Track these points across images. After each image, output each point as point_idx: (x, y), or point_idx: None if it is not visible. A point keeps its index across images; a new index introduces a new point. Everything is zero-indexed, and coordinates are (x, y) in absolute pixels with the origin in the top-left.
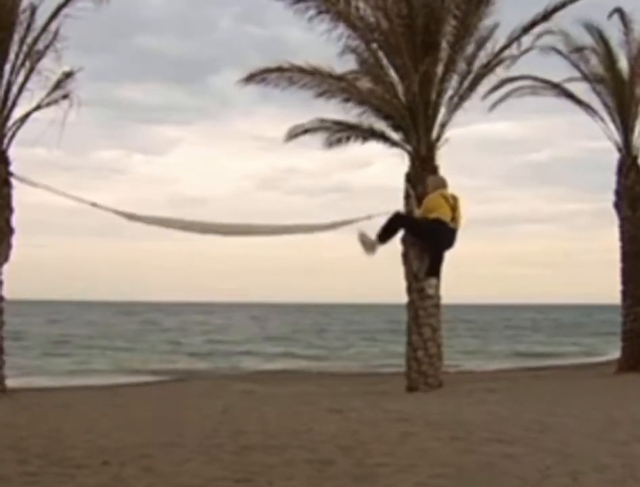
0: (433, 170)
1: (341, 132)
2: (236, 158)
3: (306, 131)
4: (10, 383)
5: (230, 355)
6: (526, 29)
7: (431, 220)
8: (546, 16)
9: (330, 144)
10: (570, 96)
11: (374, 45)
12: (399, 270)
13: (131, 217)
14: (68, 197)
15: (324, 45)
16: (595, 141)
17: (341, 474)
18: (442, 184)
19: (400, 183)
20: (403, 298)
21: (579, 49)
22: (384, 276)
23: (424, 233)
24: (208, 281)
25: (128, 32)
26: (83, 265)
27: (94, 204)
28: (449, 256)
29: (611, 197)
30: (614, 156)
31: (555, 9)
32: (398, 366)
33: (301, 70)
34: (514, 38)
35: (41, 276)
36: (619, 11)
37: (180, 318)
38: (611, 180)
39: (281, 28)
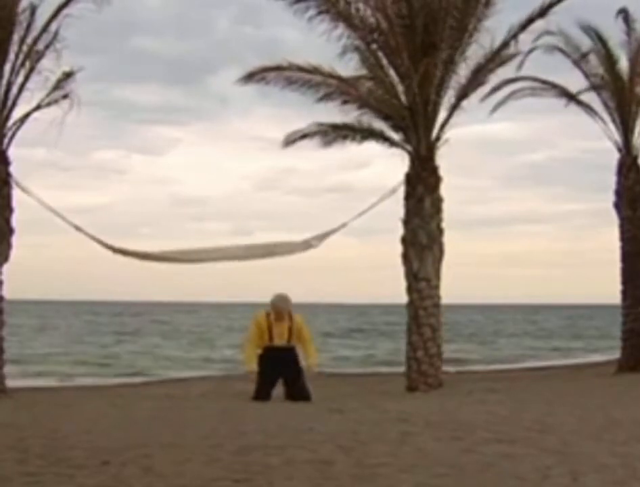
0: (433, 170)
1: (339, 133)
2: (235, 158)
3: (303, 136)
4: (10, 382)
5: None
6: (523, 26)
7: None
8: (542, 12)
9: (327, 143)
10: (571, 96)
11: (374, 45)
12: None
13: (112, 249)
14: (55, 214)
15: (321, 46)
16: (593, 141)
17: (341, 474)
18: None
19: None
20: (403, 298)
21: (584, 55)
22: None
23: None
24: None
25: (126, 33)
26: (83, 265)
27: (78, 228)
28: (447, 255)
29: (610, 197)
30: (613, 156)
31: (551, 5)
32: (398, 365)
33: (300, 69)
34: (512, 36)
35: (42, 277)
36: (623, 11)
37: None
38: (610, 181)
39: (278, 29)
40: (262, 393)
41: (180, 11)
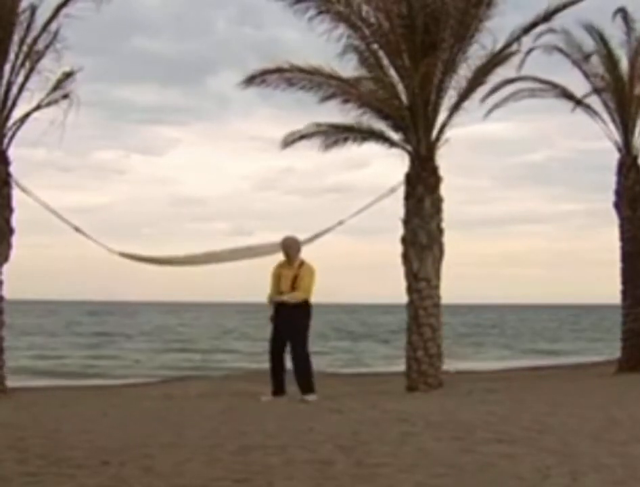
0: (433, 170)
1: (338, 135)
2: (234, 159)
3: (302, 137)
4: (10, 382)
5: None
6: (526, 30)
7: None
8: (546, 17)
9: (327, 146)
10: (571, 97)
11: (374, 46)
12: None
13: (111, 250)
14: (54, 215)
15: (320, 47)
16: (591, 140)
17: (342, 474)
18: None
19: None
20: (403, 298)
21: (587, 56)
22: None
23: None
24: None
25: (126, 33)
26: (83, 265)
27: (77, 229)
28: (447, 255)
29: (610, 197)
30: (612, 156)
31: (556, 10)
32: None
33: (301, 70)
34: (514, 39)
35: (42, 277)
36: (622, 11)
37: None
38: (610, 181)
39: (277, 29)
40: (274, 355)
41: (179, 12)
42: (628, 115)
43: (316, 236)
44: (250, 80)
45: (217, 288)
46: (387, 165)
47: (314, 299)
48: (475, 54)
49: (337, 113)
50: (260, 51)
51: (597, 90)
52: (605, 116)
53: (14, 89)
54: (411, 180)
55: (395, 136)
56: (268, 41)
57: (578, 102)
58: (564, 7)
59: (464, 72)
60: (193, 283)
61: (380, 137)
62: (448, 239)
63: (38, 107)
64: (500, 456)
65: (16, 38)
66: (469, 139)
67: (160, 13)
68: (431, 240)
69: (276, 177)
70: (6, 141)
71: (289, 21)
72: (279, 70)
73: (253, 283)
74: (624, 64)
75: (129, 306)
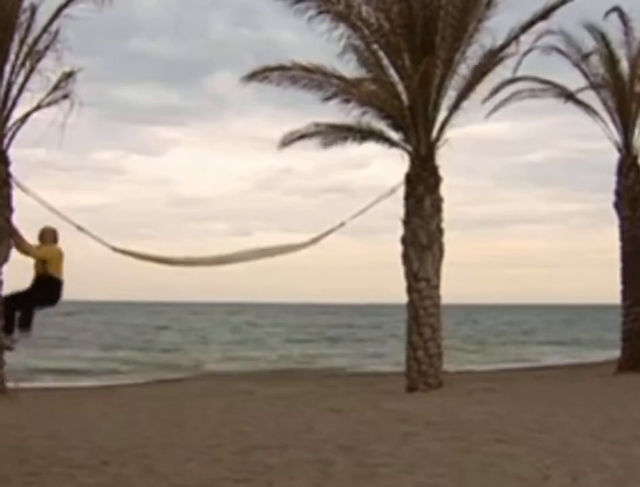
0: (433, 170)
1: (338, 134)
2: (233, 159)
3: (301, 137)
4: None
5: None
6: (524, 28)
7: (48, 278)
8: (544, 15)
9: (327, 144)
10: (571, 97)
11: (374, 46)
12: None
13: (114, 249)
14: (57, 214)
15: (317, 48)
16: (591, 141)
17: (342, 474)
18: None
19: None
20: (403, 298)
21: (586, 55)
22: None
23: (42, 293)
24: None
25: (124, 34)
26: (83, 265)
27: (79, 228)
28: (447, 256)
29: (610, 197)
30: (612, 156)
31: (553, 8)
32: (397, 365)
33: (303, 68)
34: (513, 38)
35: None
36: (618, 10)
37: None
38: (608, 181)
39: (274, 30)
40: None
41: (177, 13)
42: (628, 115)
43: (319, 237)
44: (252, 77)
45: (222, 289)
46: (387, 165)
47: None
48: (475, 54)
49: (336, 112)
50: (256, 51)
51: (594, 87)
52: (605, 115)
53: (14, 89)
54: (411, 180)
55: (395, 136)
56: (265, 42)
57: (578, 101)
58: (561, 3)
59: (463, 71)
60: (195, 284)
61: (380, 137)
62: (448, 239)
63: (38, 108)
64: (500, 456)
65: (17, 38)
66: (469, 139)
67: (158, 14)
68: (431, 240)
69: (275, 177)
70: (6, 141)
71: (286, 22)
72: (280, 68)
73: (253, 285)
74: (623, 64)
75: (129, 306)
